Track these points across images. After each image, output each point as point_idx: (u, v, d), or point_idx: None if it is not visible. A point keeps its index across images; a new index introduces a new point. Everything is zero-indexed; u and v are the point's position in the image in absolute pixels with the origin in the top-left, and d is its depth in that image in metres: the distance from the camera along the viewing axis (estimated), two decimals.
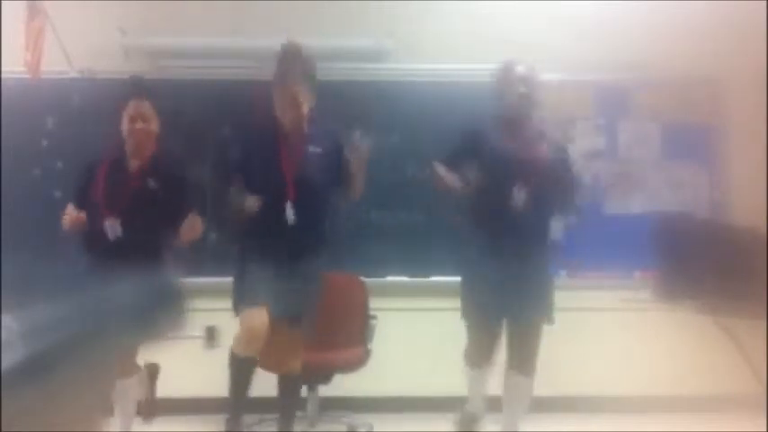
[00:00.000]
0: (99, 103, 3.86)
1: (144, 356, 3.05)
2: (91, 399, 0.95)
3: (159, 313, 1.04)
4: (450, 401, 3.53)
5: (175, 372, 3.30)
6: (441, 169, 3.09)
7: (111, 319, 0.93)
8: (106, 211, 2.96)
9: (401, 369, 4.02)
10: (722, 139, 4.31)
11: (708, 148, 4.34)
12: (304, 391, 3.54)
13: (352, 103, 3.98)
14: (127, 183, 3.03)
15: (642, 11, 4.25)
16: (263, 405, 3.33)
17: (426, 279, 4.15)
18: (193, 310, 1.10)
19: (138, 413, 3.16)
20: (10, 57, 3.92)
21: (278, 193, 2.96)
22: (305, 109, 2.99)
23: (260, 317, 2.93)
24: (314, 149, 3.05)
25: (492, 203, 3.07)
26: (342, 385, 3.78)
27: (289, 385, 3.20)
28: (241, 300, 3.00)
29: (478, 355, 3.20)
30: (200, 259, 3.79)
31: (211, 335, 3.92)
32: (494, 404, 3.27)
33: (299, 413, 3.34)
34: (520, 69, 3.11)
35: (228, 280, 3.05)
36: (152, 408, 3.21)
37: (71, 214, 2.91)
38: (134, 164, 3.06)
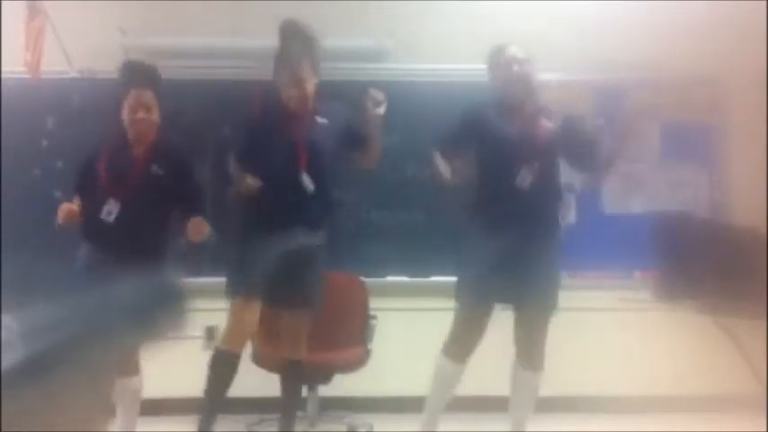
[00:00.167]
0: (99, 103, 3.85)
1: (144, 356, 3.05)
2: (91, 399, 0.94)
3: (159, 313, 1.04)
4: (450, 401, 3.52)
5: (175, 372, 3.30)
6: (438, 160, 3.07)
7: (111, 319, 0.92)
8: (109, 196, 2.92)
9: (401, 369, 4.01)
10: (722, 139, 4.31)
11: (708, 147, 4.34)
12: (304, 391, 3.53)
13: (352, 104, 3.97)
14: (130, 168, 3.00)
15: (642, 11, 4.25)
16: (263, 405, 3.33)
17: (426, 279, 4.15)
18: (193, 310, 1.10)
19: None
20: (10, 57, 3.92)
21: (289, 166, 2.91)
22: (308, 86, 2.95)
23: (250, 311, 2.88)
24: (322, 121, 3.00)
25: (496, 186, 3.02)
26: (342, 385, 3.78)
27: (291, 383, 3.15)
28: (238, 281, 2.94)
29: (461, 344, 3.04)
30: (200, 259, 3.79)
31: (211, 335, 3.91)
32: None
33: (299, 413, 3.33)
34: (511, 49, 3.08)
35: None
36: None
37: (63, 208, 2.91)
38: (137, 150, 3.03)
